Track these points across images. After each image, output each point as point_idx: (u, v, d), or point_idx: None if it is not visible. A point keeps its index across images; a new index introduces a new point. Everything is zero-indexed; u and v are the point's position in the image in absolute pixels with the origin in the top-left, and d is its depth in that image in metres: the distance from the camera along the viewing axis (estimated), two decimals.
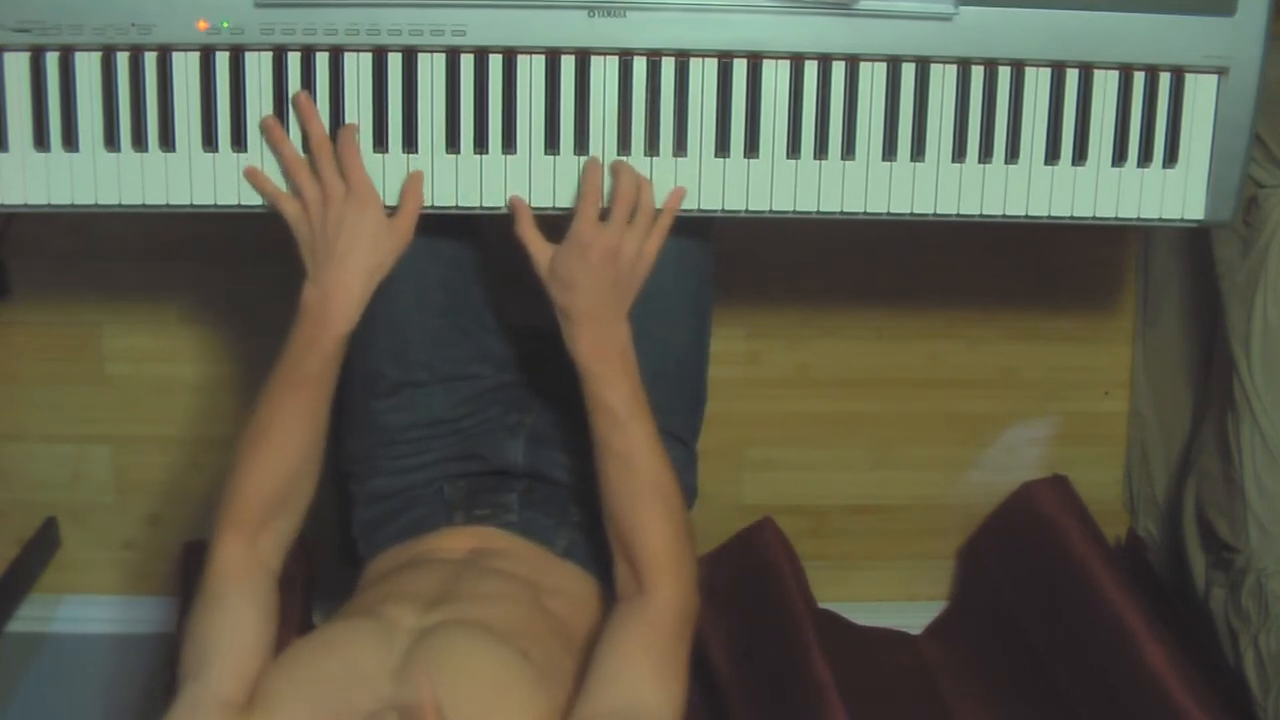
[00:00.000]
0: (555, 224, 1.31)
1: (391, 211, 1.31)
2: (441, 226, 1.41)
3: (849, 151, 1.35)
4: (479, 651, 1.15)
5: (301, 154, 1.31)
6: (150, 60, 1.30)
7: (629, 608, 1.23)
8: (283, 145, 1.30)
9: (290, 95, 1.31)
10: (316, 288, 1.27)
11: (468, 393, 1.49)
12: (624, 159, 1.32)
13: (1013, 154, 1.36)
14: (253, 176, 1.32)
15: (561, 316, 1.29)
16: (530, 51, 1.31)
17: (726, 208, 1.35)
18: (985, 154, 1.36)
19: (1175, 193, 1.38)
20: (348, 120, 1.31)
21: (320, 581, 1.88)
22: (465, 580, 1.29)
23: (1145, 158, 1.38)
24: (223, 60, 1.30)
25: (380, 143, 1.32)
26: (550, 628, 1.27)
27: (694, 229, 1.40)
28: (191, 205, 1.33)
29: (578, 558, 1.41)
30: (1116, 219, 1.39)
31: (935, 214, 1.37)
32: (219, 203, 1.33)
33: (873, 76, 1.34)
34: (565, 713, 1.13)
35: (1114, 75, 1.35)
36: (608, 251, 1.26)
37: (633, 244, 1.28)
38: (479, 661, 1.14)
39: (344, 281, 1.27)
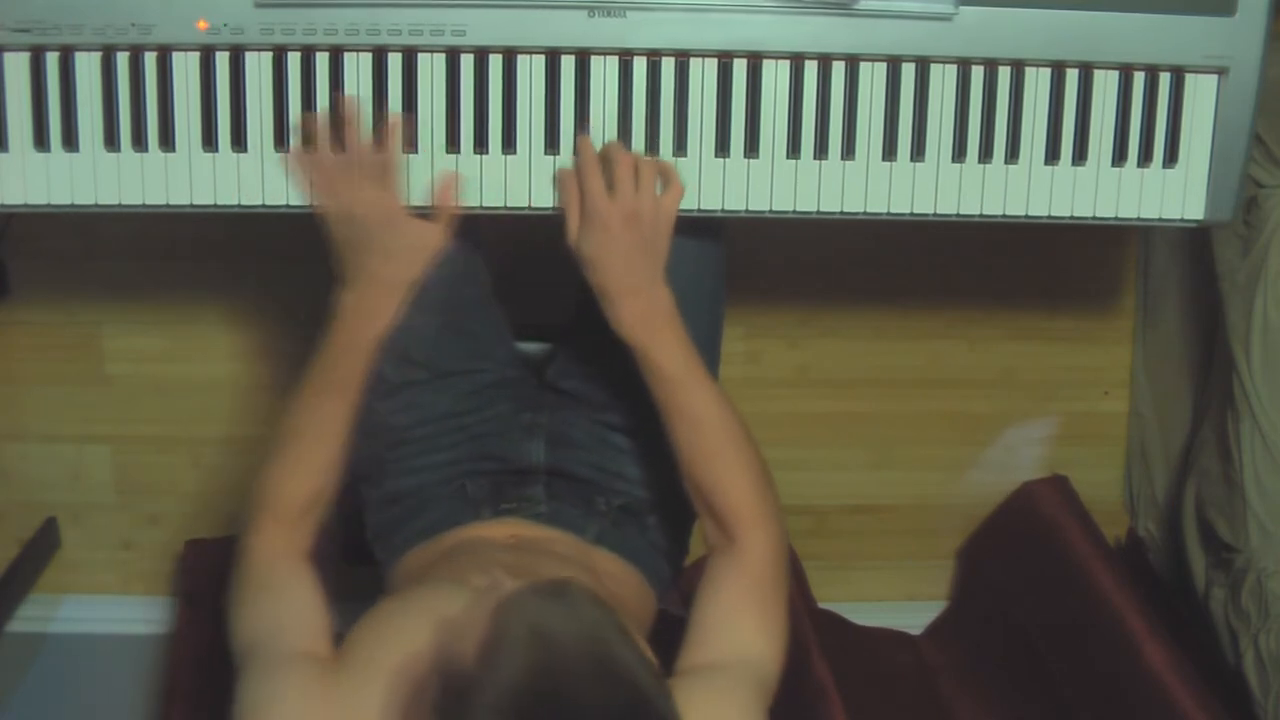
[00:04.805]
0: (555, 225, 1.31)
1: (418, 210, 1.30)
2: None
3: (849, 151, 1.35)
4: None
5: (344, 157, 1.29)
6: (150, 60, 1.30)
7: (723, 560, 1.24)
8: (329, 147, 1.29)
9: (333, 97, 1.30)
10: (351, 292, 1.28)
11: (470, 387, 1.48)
12: (611, 141, 1.31)
13: (1013, 154, 1.36)
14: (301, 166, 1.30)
15: (600, 296, 1.29)
16: (530, 51, 1.31)
17: (726, 208, 1.35)
18: (985, 154, 1.36)
19: (1175, 193, 1.38)
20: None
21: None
22: (532, 561, 1.30)
23: (1145, 158, 1.37)
24: (223, 60, 1.30)
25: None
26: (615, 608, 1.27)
27: (707, 230, 1.40)
28: (191, 205, 1.33)
29: (609, 544, 1.41)
30: (1116, 219, 1.39)
31: (935, 214, 1.37)
32: (219, 203, 1.33)
33: (873, 76, 1.34)
34: None
35: (1114, 75, 1.35)
36: (626, 217, 1.26)
37: (647, 201, 1.27)
38: None
39: (378, 291, 1.28)
